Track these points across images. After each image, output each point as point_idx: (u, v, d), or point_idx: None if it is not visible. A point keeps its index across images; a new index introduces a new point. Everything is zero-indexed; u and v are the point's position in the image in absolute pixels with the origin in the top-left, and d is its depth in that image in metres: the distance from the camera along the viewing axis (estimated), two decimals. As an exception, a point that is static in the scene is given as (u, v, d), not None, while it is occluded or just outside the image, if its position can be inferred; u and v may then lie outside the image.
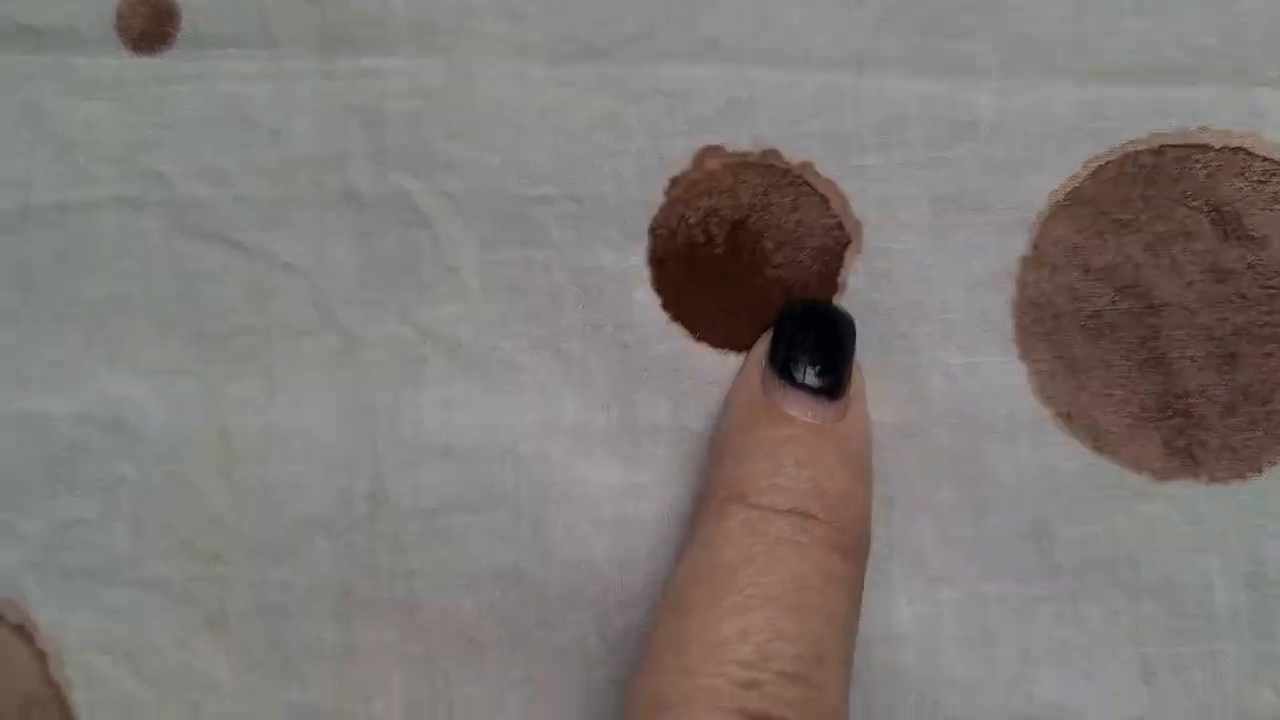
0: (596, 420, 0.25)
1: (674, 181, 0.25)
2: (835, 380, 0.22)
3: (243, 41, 0.26)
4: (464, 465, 0.25)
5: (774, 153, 0.25)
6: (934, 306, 0.25)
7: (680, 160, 0.25)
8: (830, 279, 0.25)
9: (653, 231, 0.25)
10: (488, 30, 0.26)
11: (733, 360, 0.25)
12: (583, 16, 0.25)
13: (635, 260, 0.25)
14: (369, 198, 0.26)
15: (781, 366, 0.23)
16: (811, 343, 0.23)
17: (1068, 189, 0.25)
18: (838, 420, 0.22)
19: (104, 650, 0.25)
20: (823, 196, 0.25)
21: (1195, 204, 0.24)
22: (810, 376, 0.22)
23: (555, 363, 0.25)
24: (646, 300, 0.25)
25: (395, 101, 0.26)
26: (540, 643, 0.25)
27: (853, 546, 0.21)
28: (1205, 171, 0.24)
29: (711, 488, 0.22)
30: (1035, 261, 0.25)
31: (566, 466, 0.25)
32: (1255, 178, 0.24)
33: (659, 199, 0.25)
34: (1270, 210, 0.24)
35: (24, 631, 0.25)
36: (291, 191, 0.26)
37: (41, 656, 0.25)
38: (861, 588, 0.22)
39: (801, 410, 0.22)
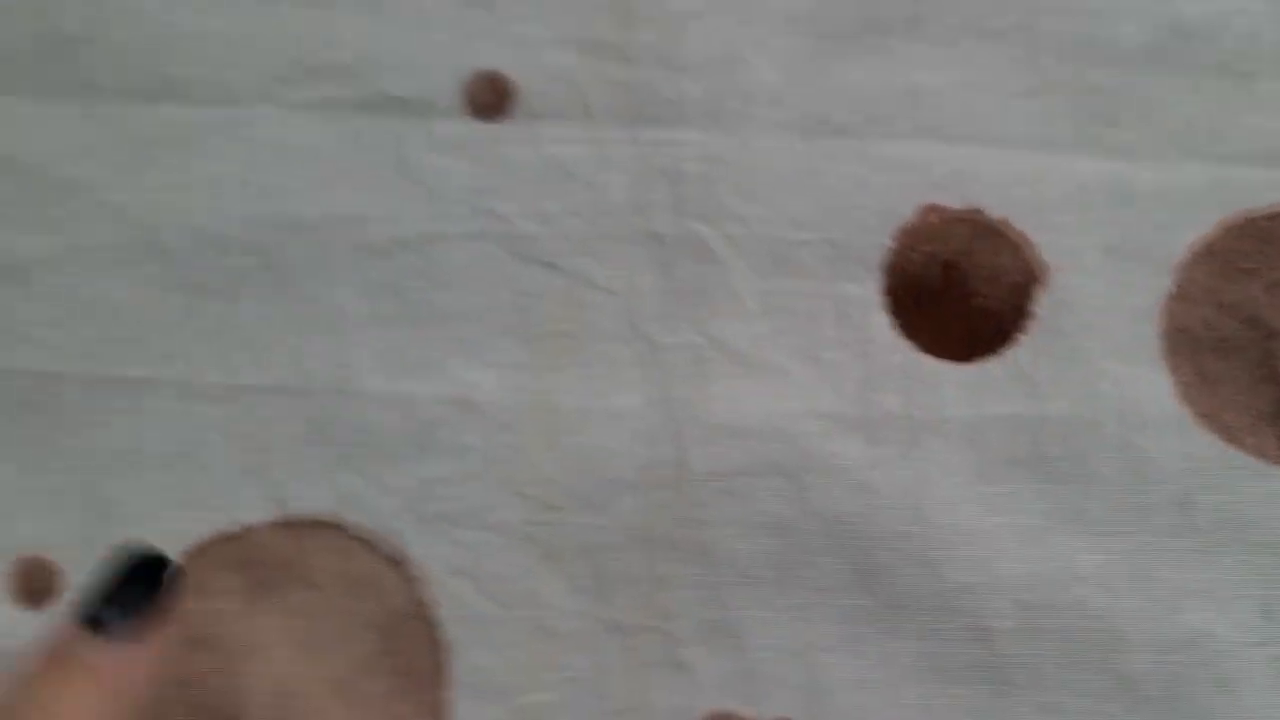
0: (846, 410, 0.33)
1: (902, 231, 0.33)
2: (123, 622, 0.24)
3: (567, 115, 0.34)
4: (746, 442, 0.32)
5: (979, 210, 0.33)
6: (1103, 331, 0.32)
7: (907, 214, 0.33)
8: (1022, 309, 0.33)
9: (886, 269, 0.33)
10: (760, 112, 0.34)
11: (948, 369, 0.33)
12: (834, 104, 0.33)
13: (873, 291, 0.33)
14: (669, 238, 0.33)
15: (79, 607, 0.25)
16: (107, 586, 0.25)
17: (1204, 243, 0.33)
18: (122, 659, 0.23)
19: (461, 577, 0.32)
20: (1017, 245, 0.33)
21: (1301, 258, 0.32)
22: (103, 619, 0.24)
23: (813, 367, 0.33)
24: (881, 321, 0.33)
25: (690, 164, 0.33)
26: (805, 578, 0.32)
27: None
28: (1308, 234, 0.32)
29: None
30: (1179, 297, 0.33)
31: (823, 444, 0.32)
32: (1346, 240, 0.32)
33: (891, 244, 0.33)
34: (1358, 264, 0.32)
35: (397, 562, 0.33)
36: (604, 231, 0.34)
37: (412, 581, 0.33)
38: None
39: (83, 650, 0.24)
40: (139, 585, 0.24)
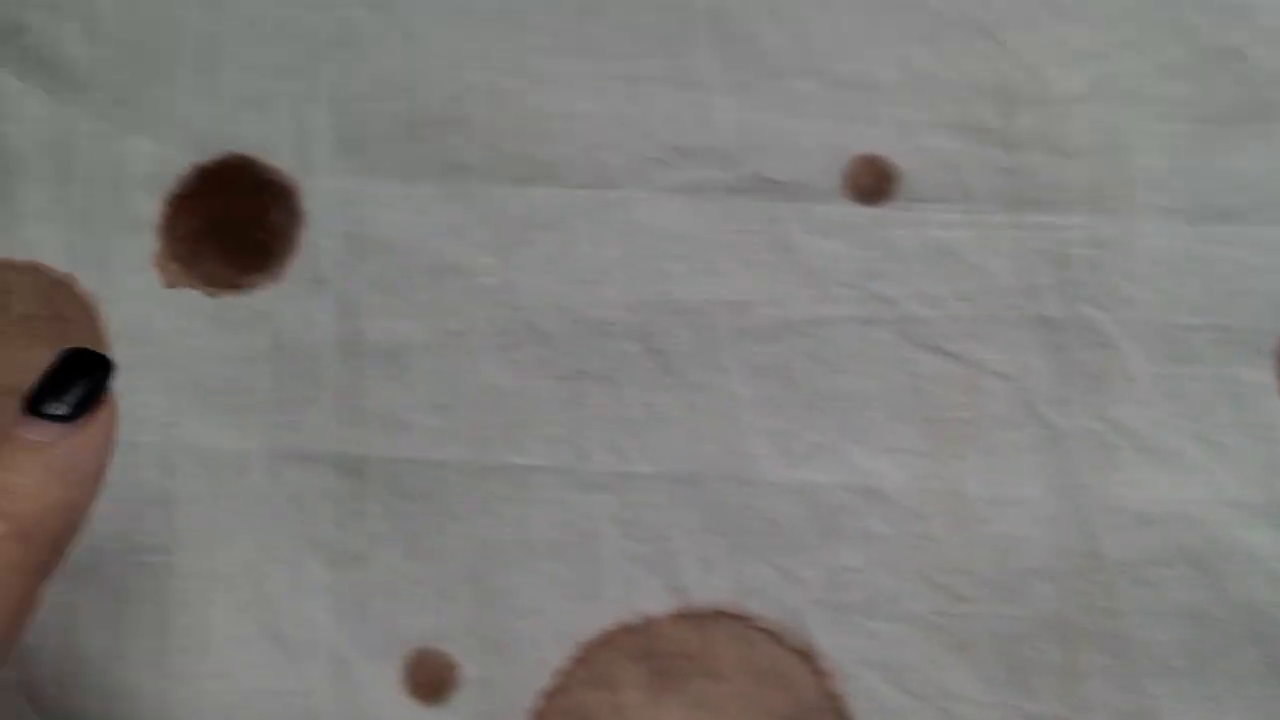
0: (1252, 497, 0.33)
1: (1294, 317, 0.33)
2: (63, 407, 0.26)
3: (948, 198, 0.34)
4: (1156, 528, 0.32)
5: (1368, 296, 0.33)
6: None
7: (1297, 300, 0.33)
8: None
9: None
10: (1144, 197, 0.34)
11: (1347, 452, 0.33)
12: (1217, 189, 0.33)
13: (1267, 376, 0.33)
14: (1059, 322, 0.33)
15: (25, 397, 0.27)
16: (50, 379, 0.27)
17: None
18: (63, 438, 0.26)
19: (873, 669, 0.32)
20: None
21: None
22: (45, 406, 0.26)
23: (1215, 452, 0.33)
24: (1278, 407, 0.33)
25: (1075, 249, 0.34)
26: (1220, 668, 0.32)
27: (37, 539, 0.25)
28: None
29: None
30: None
31: (1233, 531, 0.32)
32: None
33: (1283, 329, 0.33)
34: None
35: (805, 654, 0.32)
36: (993, 313, 0.34)
37: (821, 674, 0.32)
38: (40, 573, 0.25)
39: (27, 430, 0.26)
40: (77, 375, 0.27)
